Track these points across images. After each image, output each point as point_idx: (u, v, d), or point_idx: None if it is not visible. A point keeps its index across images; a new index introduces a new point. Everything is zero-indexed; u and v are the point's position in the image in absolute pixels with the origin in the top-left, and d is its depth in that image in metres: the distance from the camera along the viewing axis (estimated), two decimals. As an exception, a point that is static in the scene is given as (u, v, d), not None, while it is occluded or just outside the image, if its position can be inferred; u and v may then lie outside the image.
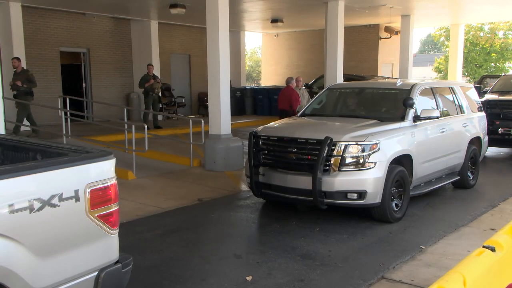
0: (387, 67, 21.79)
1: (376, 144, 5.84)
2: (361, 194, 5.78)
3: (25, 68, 12.87)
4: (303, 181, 5.92)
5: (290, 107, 10.88)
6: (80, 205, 2.84)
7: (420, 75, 42.01)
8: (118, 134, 11.57)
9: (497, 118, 10.52)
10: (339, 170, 5.79)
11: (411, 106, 6.60)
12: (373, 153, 5.80)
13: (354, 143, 5.82)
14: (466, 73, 33.63)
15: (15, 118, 12.26)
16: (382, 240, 5.54)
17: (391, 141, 6.13)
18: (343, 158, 5.79)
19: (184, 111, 18.99)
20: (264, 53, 26.14)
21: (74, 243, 2.86)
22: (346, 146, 5.80)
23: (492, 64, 33.82)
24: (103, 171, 3.00)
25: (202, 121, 10.13)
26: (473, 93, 8.81)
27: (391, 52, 20.90)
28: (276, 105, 17.86)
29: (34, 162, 3.14)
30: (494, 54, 33.32)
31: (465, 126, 7.89)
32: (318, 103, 7.98)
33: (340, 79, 13.66)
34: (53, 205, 2.70)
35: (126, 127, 10.55)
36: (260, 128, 6.76)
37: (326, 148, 5.75)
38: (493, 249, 2.63)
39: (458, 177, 7.80)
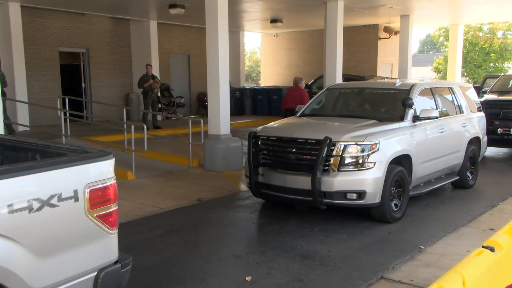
0: (387, 67, 21.80)
1: (376, 144, 5.84)
2: (361, 194, 5.78)
3: None
4: (302, 181, 5.91)
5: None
6: (79, 205, 2.84)
7: (419, 75, 42.04)
8: (118, 134, 11.57)
9: (496, 118, 10.52)
10: (338, 170, 5.79)
11: (411, 106, 6.61)
12: (372, 153, 5.80)
13: (354, 143, 5.82)
14: (465, 73, 33.65)
15: None
16: (382, 240, 5.54)
17: (390, 141, 6.13)
18: (342, 158, 5.79)
19: (184, 111, 18.99)
20: (263, 53, 26.15)
21: (73, 243, 2.85)
22: (345, 146, 5.80)
23: (491, 64, 33.85)
24: (102, 171, 2.99)
25: (202, 121, 10.13)
26: (472, 93, 8.81)
27: (391, 52, 20.91)
28: (276, 105, 17.96)
29: (33, 162, 3.14)
30: (493, 54, 33.35)
31: (464, 126, 7.89)
32: (318, 103, 7.97)
33: (339, 79, 13.67)
34: (52, 205, 2.70)
35: (125, 127, 10.54)
36: (259, 128, 6.76)
37: (326, 148, 5.75)
38: (492, 249, 2.63)
39: (458, 177, 7.80)
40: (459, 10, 17.63)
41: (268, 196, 6.61)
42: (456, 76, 21.07)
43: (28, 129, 13.49)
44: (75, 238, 2.87)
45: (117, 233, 3.14)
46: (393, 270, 4.64)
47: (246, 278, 4.46)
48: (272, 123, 7.12)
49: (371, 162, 5.79)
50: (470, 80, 33.07)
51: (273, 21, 18.52)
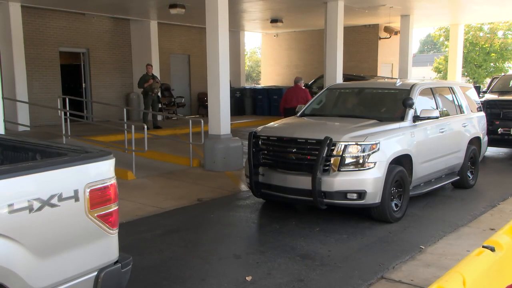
0: (387, 67, 21.80)
1: (376, 144, 5.84)
2: (361, 194, 5.78)
3: None
4: (302, 181, 5.92)
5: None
6: (79, 205, 2.84)
7: (420, 75, 42.04)
8: (118, 134, 11.57)
9: (496, 118, 10.52)
10: (338, 170, 5.79)
11: (411, 106, 6.60)
12: (372, 153, 5.80)
13: (354, 143, 5.82)
14: (466, 73, 33.65)
15: None
16: (382, 240, 5.54)
17: (390, 141, 6.13)
18: (342, 158, 5.79)
19: (184, 111, 18.99)
20: (263, 53, 26.15)
21: (73, 243, 2.86)
22: (345, 146, 5.80)
23: (492, 64, 33.85)
24: (102, 171, 3.00)
25: (202, 121, 10.13)
26: (472, 93, 8.81)
27: (391, 52, 20.90)
28: (276, 105, 17.93)
29: (34, 162, 3.14)
30: (493, 54, 33.34)
31: (464, 126, 7.89)
32: (318, 103, 7.97)
33: (339, 79, 13.67)
34: (53, 205, 2.70)
35: (125, 127, 10.54)
36: (259, 128, 6.76)
37: (326, 148, 5.75)
38: (492, 249, 2.63)
39: (458, 177, 7.80)
40: (459, 10, 17.62)
41: (268, 196, 6.61)
42: (456, 76, 21.06)
43: (28, 129, 13.49)
44: (76, 238, 2.87)
45: (117, 233, 3.14)
46: (393, 270, 4.64)
47: (246, 278, 4.46)
48: (272, 123, 7.12)
49: (372, 162, 5.79)
50: (470, 80, 33.08)
51: (273, 21, 18.52)
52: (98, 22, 16.98)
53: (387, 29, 20.76)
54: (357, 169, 5.79)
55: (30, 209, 2.60)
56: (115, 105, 15.78)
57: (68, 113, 11.87)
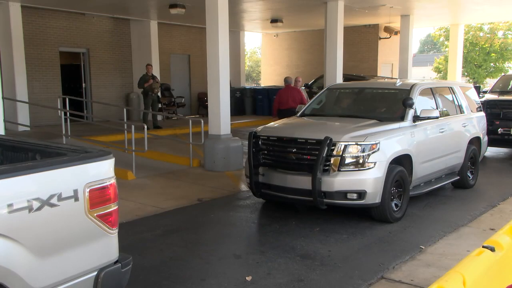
0: (387, 67, 21.80)
1: (376, 144, 5.84)
2: (361, 194, 5.78)
3: None
4: (302, 181, 5.91)
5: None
6: (79, 204, 2.84)
7: (420, 75, 42.05)
8: (118, 134, 11.57)
9: (496, 118, 10.52)
10: (338, 170, 5.79)
11: (411, 106, 6.60)
12: (372, 153, 5.80)
13: (354, 143, 5.82)
14: (466, 73, 33.66)
15: None
16: (382, 240, 5.53)
17: (390, 141, 6.13)
18: (342, 158, 5.79)
19: (184, 111, 18.98)
20: (263, 53, 26.15)
21: (73, 242, 2.85)
22: (345, 146, 5.80)
23: (492, 64, 33.86)
24: (102, 171, 3.00)
25: (202, 121, 10.13)
26: (472, 93, 8.81)
27: (391, 52, 20.90)
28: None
29: (33, 162, 3.14)
30: (493, 54, 33.35)
31: (464, 126, 7.89)
32: (318, 103, 7.97)
33: (339, 79, 13.67)
34: (52, 205, 2.70)
35: (125, 127, 10.54)
36: (259, 128, 6.76)
37: (326, 148, 5.75)
38: (492, 249, 2.63)
39: (458, 177, 7.80)
40: (459, 10, 17.63)
41: (268, 196, 6.61)
42: (456, 76, 21.06)
43: (28, 129, 13.49)
44: (75, 237, 2.87)
45: (117, 233, 3.14)
46: (393, 270, 4.64)
47: (246, 278, 4.45)
48: (272, 123, 7.12)
49: (372, 162, 5.79)
50: (470, 80, 33.08)
51: (273, 21, 18.52)
52: (98, 22, 16.98)
53: (387, 29, 20.76)
54: (357, 169, 5.78)
55: (30, 209, 2.60)
56: (115, 105, 15.78)
57: (68, 113, 11.87)
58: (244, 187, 7.98)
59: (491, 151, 11.56)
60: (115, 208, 3.06)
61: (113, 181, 3.04)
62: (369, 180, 5.76)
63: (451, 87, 8.19)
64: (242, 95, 20.11)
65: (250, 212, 6.78)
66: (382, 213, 6.02)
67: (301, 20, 19.23)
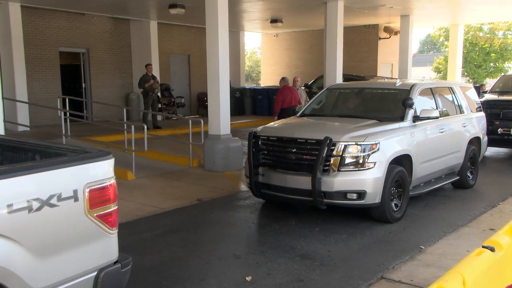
0: (387, 67, 21.80)
1: (376, 144, 5.84)
2: (361, 194, 5.78)
3: None
4: (302, 181, 5.91)
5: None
6: (79, 205, 2.84)
7: (420, 75, 42.05)
8: (118, 134, 11.57)
9: (496, 118, 10.52)
10: (338, 170, 5.79)
11: (411, 106, 6.60)
12: (372, 153, 5.80)
13: (354, 143, 5.82)
14: (466, 73, 33.66)
15: None
16: (382, 240, 5.53)
17: (390, 141, 6.13)
18: (342, 158, 5.79)
19: (184, 111, 18.98)
20: (263, 53, 26.15)
21: (73, 243, 2.85)
22: (345, 146, 5.80)
23: (492, 64, 33.86)
24: (102, 171, 2.99)
25: (202, 121, 10.12)
26: (472, 93, 8.81)
27: (391, 52, 20.90)
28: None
29: (33, 162, 3.14)
30: (493, 54, 33.35)
31: (464, 126, 7.89)
32: (318, 103, 7.97)
33: (339, 79, 13.67)
34: (52, 205, 2.70)
35: (125, 127, 10.54)
36: (259, 128, 6.76)
37: (326, 148, 5.75)
38: (492, 249, 2.63)
39: (458, 177, 7.80)
40: (459, 10, 17.63)
41: (268, 196, 6.61)
42: (456, 76, 21.06)
43: (28, 129, 13.49)
44: (75, 238, 2.87)
45: (117, 233, 3.14)
46: (393, 270, 4.64)
47: (246, 278, 4.45)
48: (272, 123, 7.12)
49: (371, 162, 5.79)
50: (470, 80, 33.08)
51: (273, 21, 18.51)
52: (98, 22, 16.98)
53: (387, 29, 20.76)
54: (357, 169, 5.78)
55: (30, 209, 2.59)
56: (115, 105, 15.77)
57: (68, 113, 11.87)
58: (244, 187, 7.98)
59: (491, 151, 11.56)
60: (115, 208, 3.06)
61: (113, 181, 3.04)
62: (369, 180, 5.76)
63: (451, 87, 8.19)
64: (242, 95, 20.10)
65: (250, 212, 6.78)
66: (382, 213, 6.02)
67: (301, 20, 19.23)
